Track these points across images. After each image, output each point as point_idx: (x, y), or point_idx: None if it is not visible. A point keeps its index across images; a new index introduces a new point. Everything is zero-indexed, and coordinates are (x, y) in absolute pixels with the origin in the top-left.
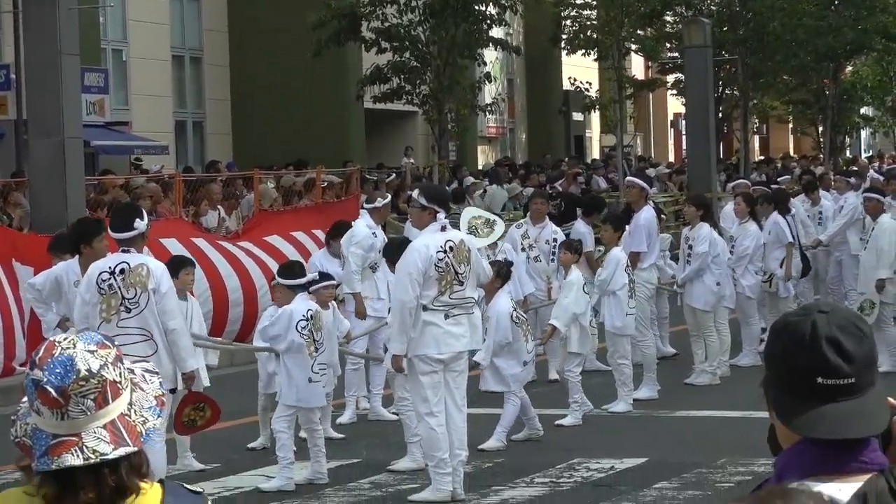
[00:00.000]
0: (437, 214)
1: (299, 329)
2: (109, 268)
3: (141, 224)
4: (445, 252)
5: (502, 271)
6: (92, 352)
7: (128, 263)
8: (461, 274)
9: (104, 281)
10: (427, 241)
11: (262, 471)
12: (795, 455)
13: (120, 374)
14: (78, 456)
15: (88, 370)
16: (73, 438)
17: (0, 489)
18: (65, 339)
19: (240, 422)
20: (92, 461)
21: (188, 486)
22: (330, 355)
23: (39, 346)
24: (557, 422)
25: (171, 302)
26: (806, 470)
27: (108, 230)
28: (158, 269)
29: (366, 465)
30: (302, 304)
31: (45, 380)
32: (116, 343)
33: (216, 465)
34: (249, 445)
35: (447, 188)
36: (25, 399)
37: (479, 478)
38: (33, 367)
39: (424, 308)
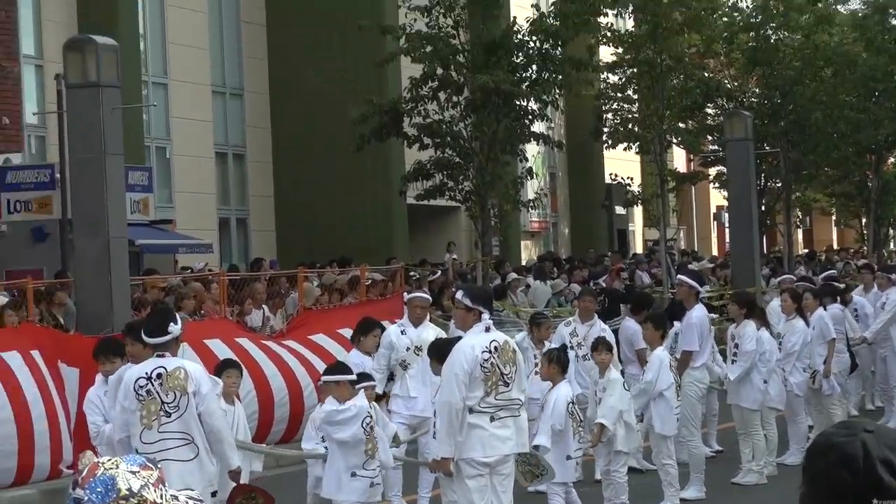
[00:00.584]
0: (482, 315)
1: (363, 425)
2: (146, 373)
3: (175, 328)
4: (491, 352)
5: (555, 356)
6: (134, 472)
7: (165, 368)
8: (507, 375)
9: (142, 387)
10: (473, 342)
11: None
12: None
13: (161, 496)
14: None
15: (129, 489)
16: None
17: None
18: (109, 461)
19: None
20: None
21: None
22: (383, 453)
23: (83, 466)
24: None
25: (212, 403)
26: None
27: (143, 334)
28: (197, 371)
29: None
30: (365, 401)
31: (87, 499)
32: (157, 449)
33: None
34: None
35: (490, 286)
36: None
37: None
38: (75, 487)
39: (470, 410)
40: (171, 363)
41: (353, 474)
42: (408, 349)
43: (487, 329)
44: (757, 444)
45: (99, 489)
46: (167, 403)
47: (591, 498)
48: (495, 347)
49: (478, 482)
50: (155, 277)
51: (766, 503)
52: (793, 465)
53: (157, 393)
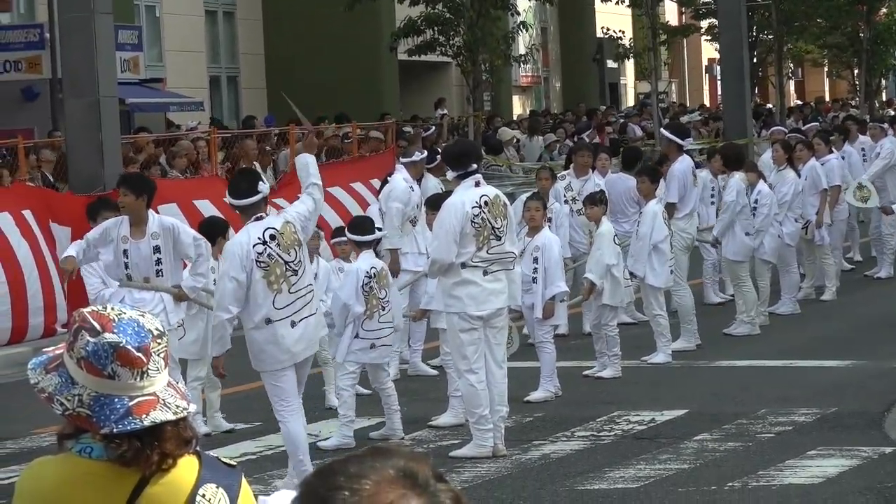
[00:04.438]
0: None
1: (362, 287)
2: (259, 238)
3: (264, 187)
4: (481, 207)
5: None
6: (143, 315)
7: (274, 227)
8: (498, 228)
9: (261, 253)
10: (463, 198)
11: (310, 428)
12: None
13: None
14: (167, 412)
15: (158, 330)
16: (152, 398)
17: (34, 451)
18: (109, 308)
19: None
20: (180, 415)
21: (224, 460)
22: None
23: (82, 318)
24: (597, 374)
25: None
26: None
27: (230, 198)
28: (291, 214)
29: (406, 421)
30: (365, 262)
31: (124, 341)
32: (291, 312)
33: (258, 423)
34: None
35: (478, 141)
36: (39, 378)
37: (519, 432)
38: (97, 334)
39: (463, 265)
40: (275, 221)
41: (357, 336)
42: (418, 206)
43: (478, 184)
44: (746, 294)
45: (129, 331)
46: (291, 263)
47: (579, 351)
48: (486, 202)
49: (471, 335)
50: (143, 136)
51: (758, 353)
52: (784, 314)
53: (278, 255)
